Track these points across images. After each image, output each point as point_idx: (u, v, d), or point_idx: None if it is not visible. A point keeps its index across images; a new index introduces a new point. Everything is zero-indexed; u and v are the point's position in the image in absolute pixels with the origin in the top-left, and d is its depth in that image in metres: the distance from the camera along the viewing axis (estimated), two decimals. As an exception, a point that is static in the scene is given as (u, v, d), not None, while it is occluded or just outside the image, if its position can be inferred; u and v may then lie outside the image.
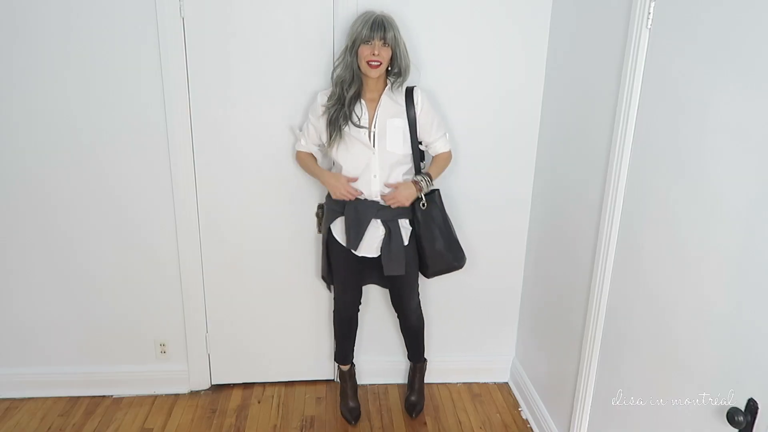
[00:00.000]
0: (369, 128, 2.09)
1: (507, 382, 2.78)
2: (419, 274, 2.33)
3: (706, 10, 1.34)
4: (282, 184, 2.39)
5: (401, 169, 2.15)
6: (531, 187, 2.49)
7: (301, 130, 2.25)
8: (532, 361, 2.54)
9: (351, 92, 2.04)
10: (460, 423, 2.47)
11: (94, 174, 2.31)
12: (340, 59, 2.06)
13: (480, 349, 2.74)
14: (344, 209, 2.14)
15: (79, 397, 2.58)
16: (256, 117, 2.30)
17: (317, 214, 2.42)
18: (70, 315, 2.50)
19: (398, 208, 2.13)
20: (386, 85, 2.11)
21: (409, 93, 2.12)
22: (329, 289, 2.43)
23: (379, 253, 2.16)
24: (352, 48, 2.00)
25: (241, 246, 2.47)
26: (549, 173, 2.32)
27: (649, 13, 1.54)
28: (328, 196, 2.23)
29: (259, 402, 2.60)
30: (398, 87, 2.11)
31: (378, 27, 1.95)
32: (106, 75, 2.19)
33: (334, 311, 2.43)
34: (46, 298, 2.47)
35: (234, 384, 2.70)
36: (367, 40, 1.96)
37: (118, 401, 2.57)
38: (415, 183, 2.13)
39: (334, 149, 2.11)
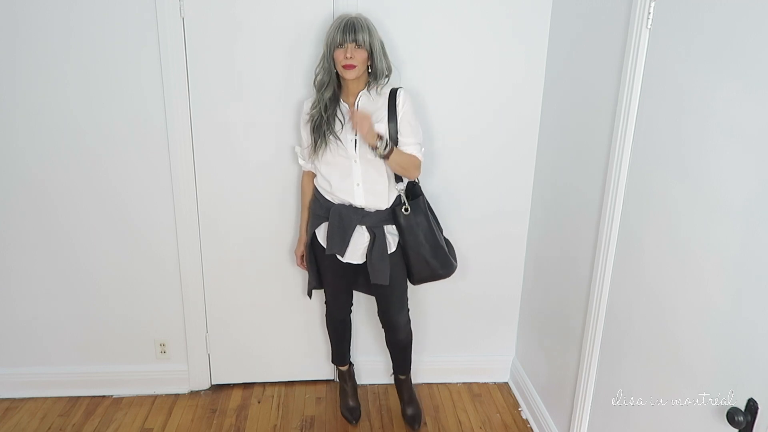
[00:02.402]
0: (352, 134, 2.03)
1: (507, 382, 2.78)
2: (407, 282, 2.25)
3: (706, 10, 1.34)
4: (283, 183, 2.39)
5: (384, 176, 2.07)
6: (531, 187, 2.49)
7: (299, 146, 2.23)
8: (532, 361, 2.54)
9: (327, 94, 2.01)
10: (460, 423, 2.47)
11: (94, 174, 2.31)
12: (319, 66, 2.03)
13: (480, 349, 2.74)
14: (329, 214, 2.10)
15: (79, 397, 2.58)
16: (256, 116, 2.30)
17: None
18: (71, 315, 2.50)
19: (381, 214, 2.08)
20: (365, 84, 2.06)
21: (393, 95, 2.04)
22: (309, 295, 2.33)
23: (365, 260, 2.11)
24: (328, 53, 1.98)
25: (241, 246, 2.47)
26: (549, 173, 2.32)
27: (649, 13, 1.54)
28: (314, 199, 2.21)
29: (259, 402, 2.60)
30: (379, 89, 2.05)
31: (349, 29, 1.92)
32: (106, 75, 2.19)
33: (326, 315, 2.41)
34: (47, 297, 2.47)
35: (234, 384, 2.70)
36: (340, 44, 1.93)
37: (118, 401, 2.57)
38: (379, 136, 1.96)
39: (318, 157, 2.07)
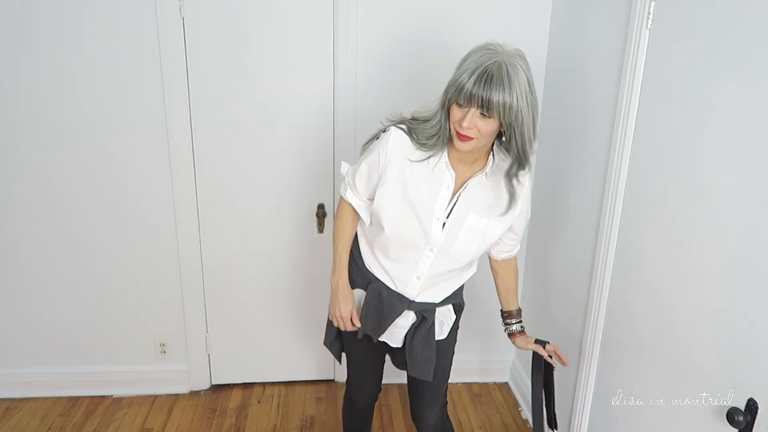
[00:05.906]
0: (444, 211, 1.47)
1: (507, 382, 2.78)
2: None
3: (706, 10, 1.34)
4: (282, 183, 2.39)
5: (452, 276, 1.59)
6: (531, 187, 2.48)
7: (347, 175, 1.59)
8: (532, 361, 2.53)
9: (432, 152, 1.42)
10: (460, 423, 2.47)
11: (93, 175, 2.31)
12: (435, 114, 1.38)
13: (480, 349, 2.74)
14: (367, 287, 1.59)
15: (79, 397, 2.58)
16: (256, 116, 2.29)
17: (318, 214, 2.42)
18: (71, 315, 2.50)
19: (447, 294, 1.61)
20: (488, 158, 1.45)
21: (513, 178, 1.46)
22: (338, 359, 1.83)
23: (404, 343, 1.63)
24: (444, 101, 1.34)
25: (242, 245, 2.47)
26: (549, 173, 2.32)
27: (649, 13, 1.54)
28: (353, 250, 1.67)
29: (259, 402, 2.60)
30: (506, 168, 1.43)
31: (485, 84, 1.23)
32: (105, 76, 2.19)
33: (344, 397, 1.93)
34: (47, 297, 2.47)
35: (234, 384, 2.70)
36: (460, 103, 1.28)
37: (118, 401, 2.57)
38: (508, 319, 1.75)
39: (393, 203, 1.45)
